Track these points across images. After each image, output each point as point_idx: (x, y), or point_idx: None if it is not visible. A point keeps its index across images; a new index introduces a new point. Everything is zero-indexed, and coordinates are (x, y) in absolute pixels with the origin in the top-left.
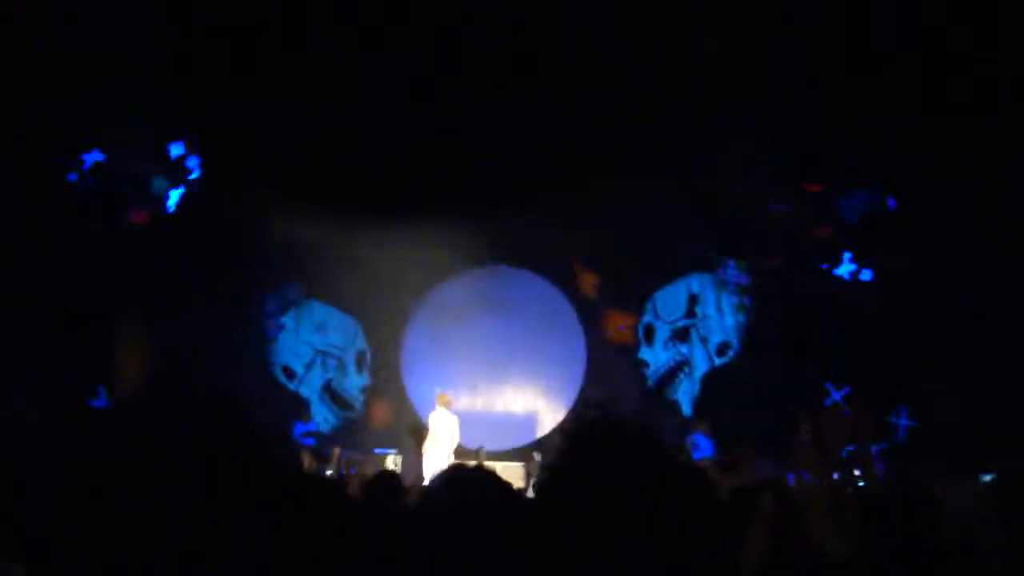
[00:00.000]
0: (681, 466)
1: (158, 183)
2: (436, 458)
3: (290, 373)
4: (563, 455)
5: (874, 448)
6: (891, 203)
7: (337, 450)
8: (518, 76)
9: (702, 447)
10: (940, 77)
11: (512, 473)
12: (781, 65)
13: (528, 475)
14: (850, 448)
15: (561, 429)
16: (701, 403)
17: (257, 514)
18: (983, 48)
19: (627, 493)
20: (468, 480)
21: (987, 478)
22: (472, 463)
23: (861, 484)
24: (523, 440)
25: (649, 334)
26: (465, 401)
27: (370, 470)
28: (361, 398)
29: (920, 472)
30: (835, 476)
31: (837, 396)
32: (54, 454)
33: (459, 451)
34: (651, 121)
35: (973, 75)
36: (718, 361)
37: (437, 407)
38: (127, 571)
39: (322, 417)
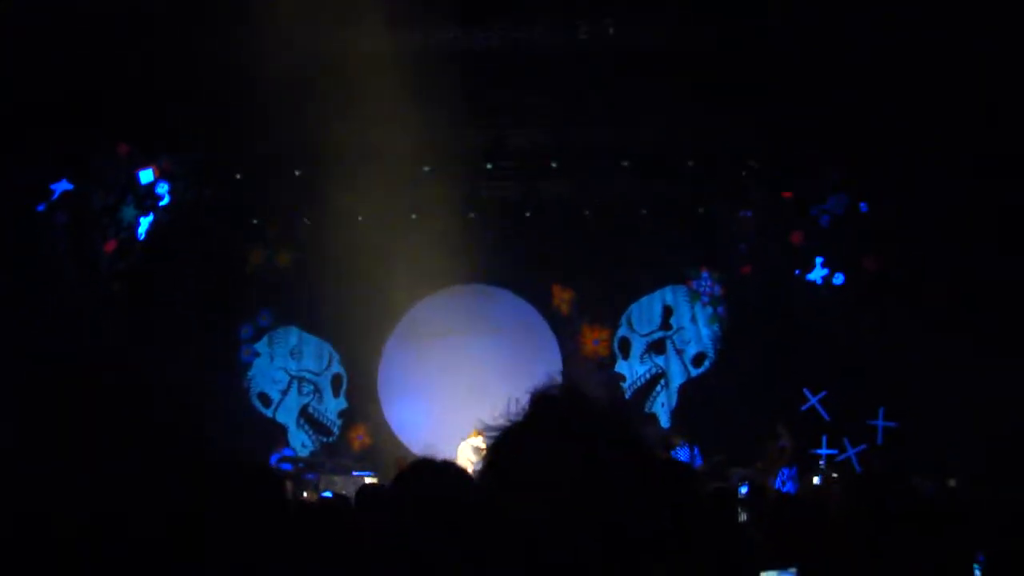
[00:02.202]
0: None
1: (128, 211)
2: None
3: (266, 400)
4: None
5: (853, 450)
6: (862, 207)
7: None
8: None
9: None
10: (912, 80)
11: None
12: (751, 70)
13: None
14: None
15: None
16: (679, 414)
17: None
18: (957, 49)
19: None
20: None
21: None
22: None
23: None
24: None
25: (625, 347)
26: (440, 419)
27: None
28: (339, 422)
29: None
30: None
31: (814, 400)
32: None
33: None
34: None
35: (947, 77)
36: (694, 372)
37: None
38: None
39: (299, 442)
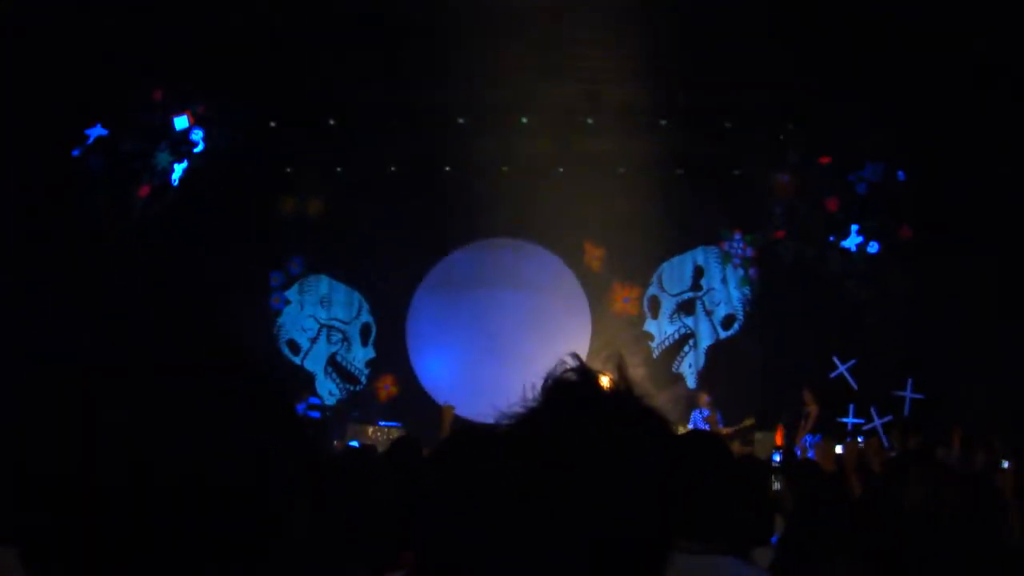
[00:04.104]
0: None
1: (162, 157)
2: None
3: (295, 347)
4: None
5: (880, 420)
6: (900, 175)
7: None
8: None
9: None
10: (953, 47)
11: None
12: (791, 35)
13: None
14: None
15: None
16: (706, 376)
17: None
18: (995, 17)
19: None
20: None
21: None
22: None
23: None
24: None
25: (654, 307)
26: (469, 374)
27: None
28: (366, 371)
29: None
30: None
31: (843, 368)
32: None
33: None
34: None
35: (987, 44)
36: (723, 334)
37: None
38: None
39: (327, 391)
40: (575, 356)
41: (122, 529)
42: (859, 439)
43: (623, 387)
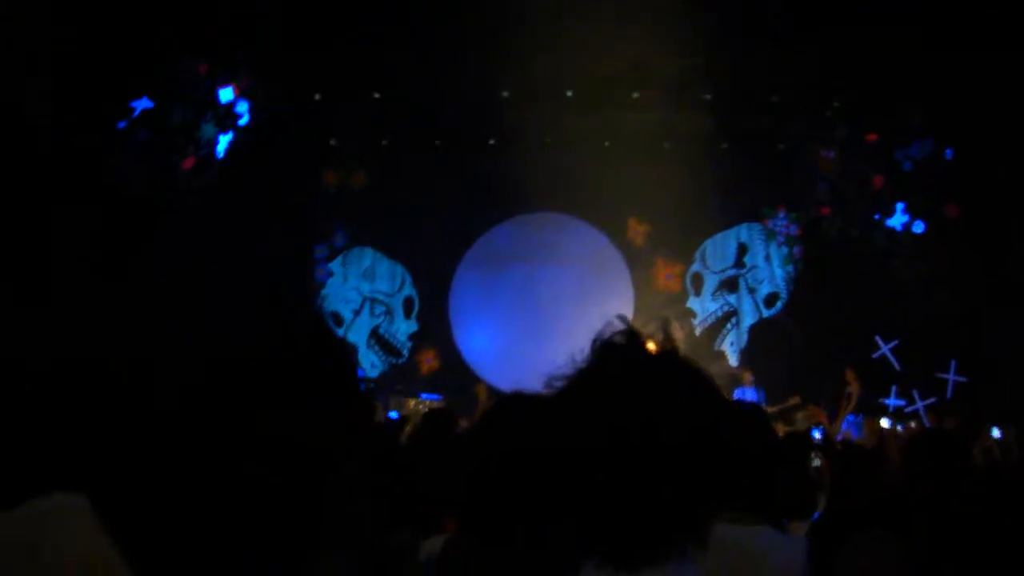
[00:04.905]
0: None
1: (208, 129)
2: None
3: (338, 320)
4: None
5: (922, 403)
6: (948, 153)
7: None
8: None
9: (750, 399)
10: (1001, 24)
11: None
12: (840, 8)
13: None
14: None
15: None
16: (748, 354)
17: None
18: None
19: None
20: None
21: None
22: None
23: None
24: None
25: (697, 283)
26: (510, 348)
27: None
28: (408, 344)
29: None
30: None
31: (885, 349)
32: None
33: None
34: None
35: None
36: (766, 312)
37: None
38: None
39: (369, 363)
40: (622, 318)
41: (191, 481)
42: (906, 424)
43: (669, 348)
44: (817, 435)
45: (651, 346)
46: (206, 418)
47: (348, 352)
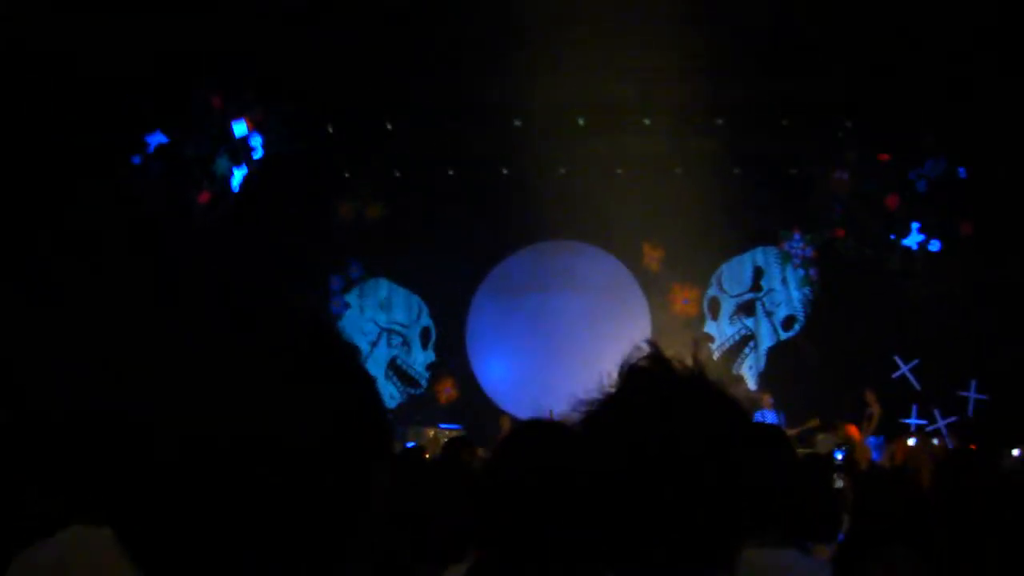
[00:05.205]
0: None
1: (222, 163)
2: None
3: None
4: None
5: (943, 421)
6: (961, 172)
7: None
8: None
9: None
10: (1012, 42)
11: None
12: (849, 29)
13: None
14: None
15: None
16: (767, 377)
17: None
18: None
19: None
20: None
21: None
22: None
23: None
24: None
25: (714, 308)
26: (528, 376)
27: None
28: (426, 375)
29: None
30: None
31: (905, 369)
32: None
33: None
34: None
35: None
36: (784, 335)
37: None
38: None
39: (387, 394)
40: (650, 343)
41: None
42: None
43: (697, 371)
44: (838, 456)
45: (678, 368)
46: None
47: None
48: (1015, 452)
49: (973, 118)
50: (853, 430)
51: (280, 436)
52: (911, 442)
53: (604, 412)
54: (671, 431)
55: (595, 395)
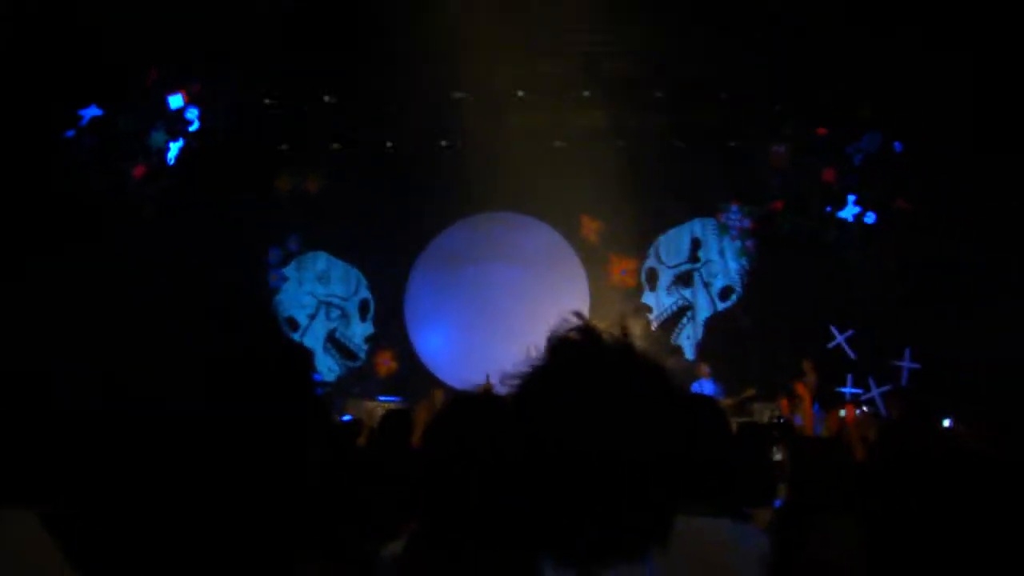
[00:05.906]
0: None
1: (157, 137)
2: None
3: (294, 324)
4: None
5: (878, 390)
6: (897, 146)
7: None
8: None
9: (708, 392)
10: (947, 16)
11: None
12: (788, 5)
13: None
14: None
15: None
16: (704, 348)
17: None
18: None
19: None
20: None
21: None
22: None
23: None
24: None
25: (652, 279)
26: (466, 348)
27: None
28: (365, 347)
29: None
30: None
31: (841, 339)
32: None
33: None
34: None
35: (981, 13)
36: (721, 306)
37: None
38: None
39: (326, 367)
40: (578, 314)
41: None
42: (863, 409)
43: (625, 343)
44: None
45: (607, 339)
46: (154, 420)
47: (302, 351)
48: (946, 423)
49: (909, 93)
50: (802, 391)
51: (212, 412)
52: (841, 414)
53: (531, 385)
54: (598, 403)
55: (524, 368)
